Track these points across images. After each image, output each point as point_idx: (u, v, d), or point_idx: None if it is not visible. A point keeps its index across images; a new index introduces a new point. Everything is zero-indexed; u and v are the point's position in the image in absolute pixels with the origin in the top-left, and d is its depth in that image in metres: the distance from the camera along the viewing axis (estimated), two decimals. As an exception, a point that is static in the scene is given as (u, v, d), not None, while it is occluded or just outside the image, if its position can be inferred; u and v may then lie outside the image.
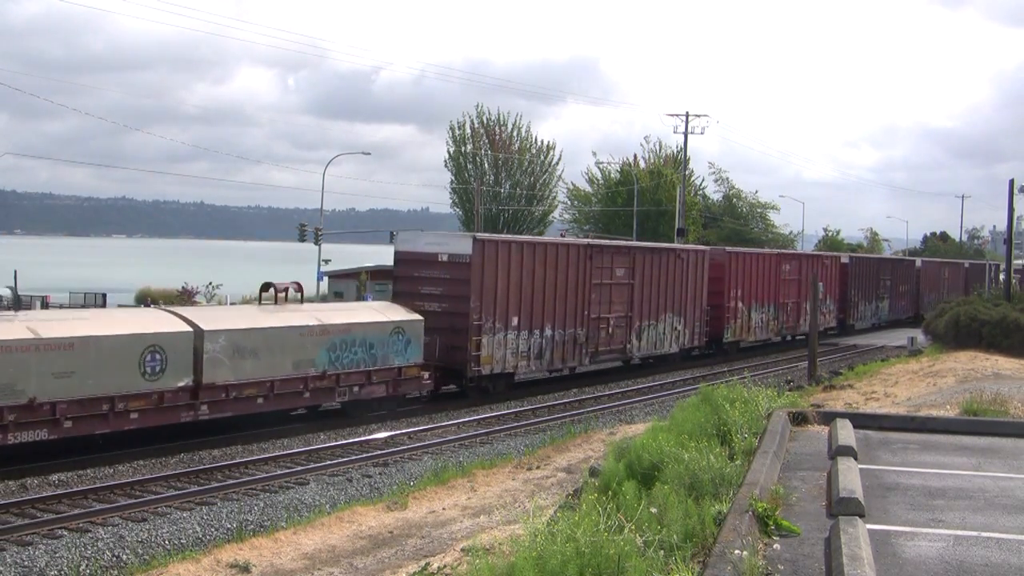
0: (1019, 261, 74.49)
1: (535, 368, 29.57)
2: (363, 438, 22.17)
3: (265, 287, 24.95)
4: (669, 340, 35.94)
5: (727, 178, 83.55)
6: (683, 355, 37.48)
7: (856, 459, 10.99)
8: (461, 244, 27.59)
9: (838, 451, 11.27)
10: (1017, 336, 32.90)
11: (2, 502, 15.92)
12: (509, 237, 29.00)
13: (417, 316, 25.68)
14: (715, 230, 76.20)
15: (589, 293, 31.12)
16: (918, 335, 41.19)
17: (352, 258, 60.91)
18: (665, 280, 35.44)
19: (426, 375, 25.77)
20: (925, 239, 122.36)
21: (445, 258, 27.44)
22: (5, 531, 14.52)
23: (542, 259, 29.31)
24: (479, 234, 27.38)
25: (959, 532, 8.71)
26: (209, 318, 21.62)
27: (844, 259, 52.72)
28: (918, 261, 66.77)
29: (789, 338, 46.63)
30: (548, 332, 29.50)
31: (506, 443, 22.35)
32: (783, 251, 49.96)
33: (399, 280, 28.55)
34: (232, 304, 44.61)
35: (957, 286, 69.06)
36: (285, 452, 20.38)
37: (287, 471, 18.82)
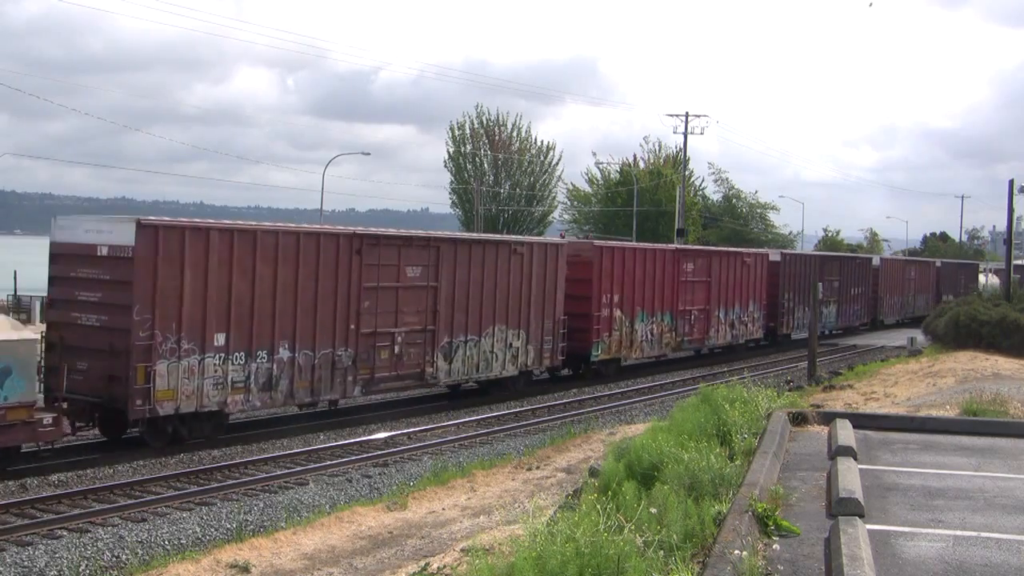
0: (1019, 261, 73.81)
1: (263, 403, 21.73)
2: (362, 438, 22.16)
3: None
4: (502, 360, 27.67)
5: (727, 178, 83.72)
6: (529, 378, 29.41)
7: (856, 459, 11.01)
8: (122, 232, 19.81)
9: (838, 451, 11.28)
10: (1017, 336, 32.93)
11: (2, 502, 15.91)
12: (207, 222, 21.22)
13: (24, 334, 17.94)
14: (715, 230, 76.24)
15: (360, 300, 23.47)
16: (918, 335, 41.19)
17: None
18: (493, 282, 27.19)
19: (47, 418, 17.79)
20: (925, 239, 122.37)
21: (105, 251, 19.91)
22: (5, 531, 14.51)
23: (270, 254, 21.59)
24: (148, 218, 20.03)
25: (959, 532, 8.72)
26: None
27: (774, 256, 45.14)
28: (875, 259, 58.04)
29: (704, 351, 39.81)
30: (284, 354, 21.78)
31: (506, 443, 22.34)
32: (685, 247, 41.55)
33: (55, 283, 20.79)
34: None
35: (925, 288, 63.27)
36: (284, 452, 20.37)
37: (287, 471, 18.81)
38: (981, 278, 75.32)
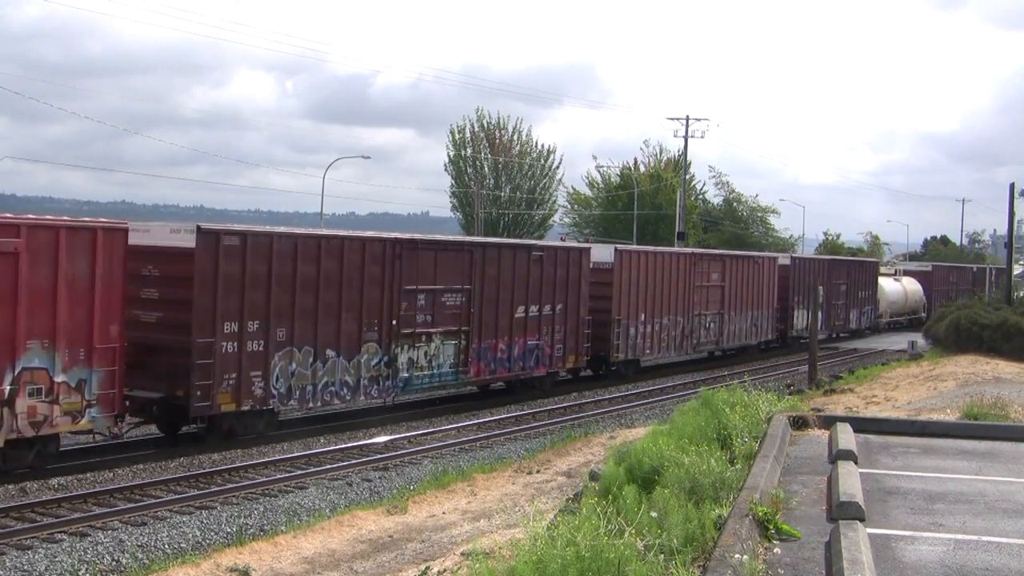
0: (1018, 266, 70.92)
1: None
2: (363, 442, 22.13)
3: None
4: None
5: (727, 182, 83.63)
6: None
7: (856, 463, 11.01)
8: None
9: (838, 455, 11.28)
10: (1018, 340, 32.98)
11: (2, 506, 15.90)
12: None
13: None
14: (715, 234, 76.24)
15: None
16: (918, 339, 41.17)
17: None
18: None
19: None
20: (925, 243, 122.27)
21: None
22: (5, 535, 14.49)
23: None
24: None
25: (959, 536, 8.71)
26: None
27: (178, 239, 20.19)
28: (601, 252, 32.56)
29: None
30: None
31: (506, 447, 22.33)
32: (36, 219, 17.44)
33: None
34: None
35: (758, 300, 40.07)
36: (284, 456, 20.35)
37: (287, 475, 18.79)
38: (885, 285, 55.25)
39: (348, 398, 23.24)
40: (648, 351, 34.08)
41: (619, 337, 32.23)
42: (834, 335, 49.55)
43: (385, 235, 24.31)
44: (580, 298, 30.07)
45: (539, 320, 28.52)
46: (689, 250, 40.22)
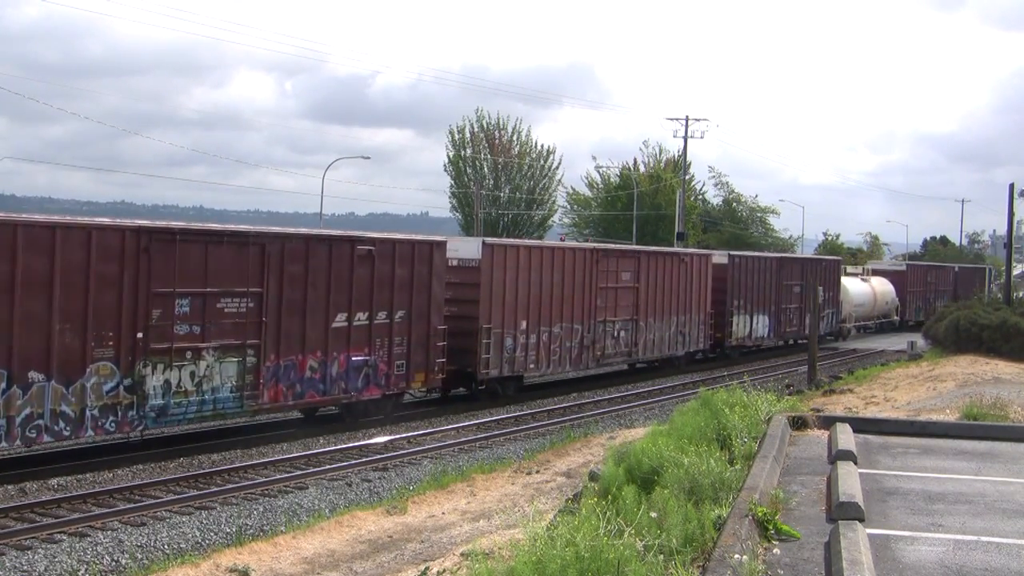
0: (1018, 266, 69.48)
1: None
2: (362, 442, 22.13)
3: None
4: None
5: (727, 182, 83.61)
6: None
7: (856, 463, 11.01)
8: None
9: (838, 455, 11.29)
10: (1017, 340, 33.01)
11: (1, 506, 15.89)
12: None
13: None
14: (715, 234, 76.26)
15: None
16: (918, 339, 41.18)
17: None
18: None
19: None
20: (925, 243, 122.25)
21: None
22: (4, 535, 14.49)
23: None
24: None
25: (959, 536, 8.71)
26: None
27: None
28: (463, 246, 27.61)
29: None
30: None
31: (506, 447, 22.33)
32: None
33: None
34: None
35: (682, 304, 35.07)
36: (284, 456, 20.36)
37: (286, 475, 18.80)
38: (849, 286, 50.78)
39: (67, 433, 17.74)
40: (532, 366, 28.37)
41: (489, 349, 26.53)
42: (787, 343, 44.47)
43: (125, 223, 19.00)
44: (431, 302, 24.45)
45: (369, 330, 22.99)
46: (590, 245, 33.75)
